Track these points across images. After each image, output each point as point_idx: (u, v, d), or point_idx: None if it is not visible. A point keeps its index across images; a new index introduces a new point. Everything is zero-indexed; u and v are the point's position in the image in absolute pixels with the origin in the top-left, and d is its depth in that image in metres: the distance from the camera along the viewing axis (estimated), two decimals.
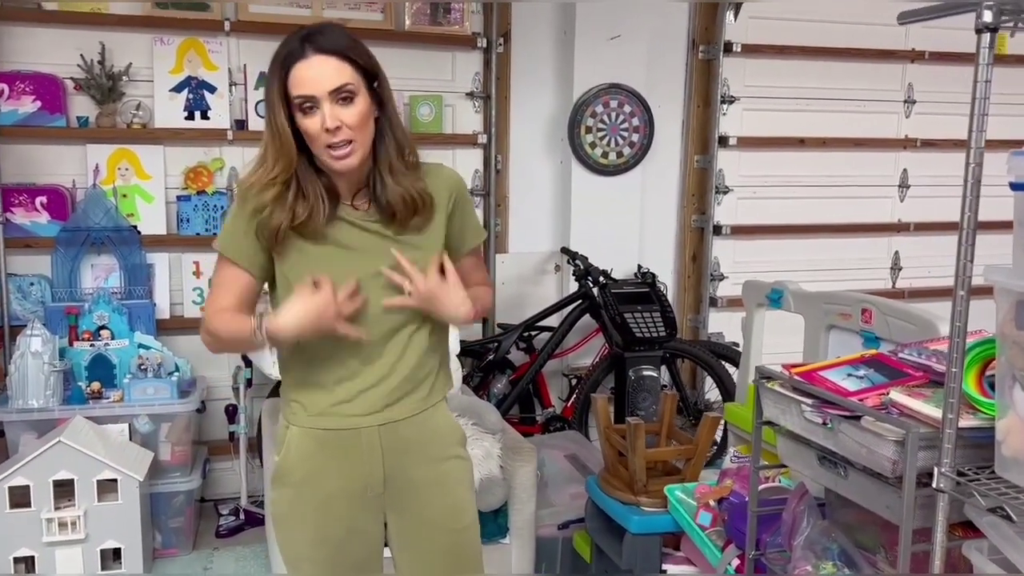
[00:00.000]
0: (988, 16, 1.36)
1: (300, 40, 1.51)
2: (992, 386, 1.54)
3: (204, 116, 3.42)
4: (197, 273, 3.50)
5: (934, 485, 1.49)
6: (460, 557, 1.71)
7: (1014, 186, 1.33)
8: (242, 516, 3.45)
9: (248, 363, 3.45)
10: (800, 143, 4.18)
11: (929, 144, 4.36)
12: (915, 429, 1.51)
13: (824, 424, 1.69)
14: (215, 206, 3.47)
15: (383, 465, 1.63)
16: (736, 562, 2.13)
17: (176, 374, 3.17)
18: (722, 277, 4.14)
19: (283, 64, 1.50)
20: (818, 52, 4.10)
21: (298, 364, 1.64)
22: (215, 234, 3.40)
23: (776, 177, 4.18)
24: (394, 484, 1.64)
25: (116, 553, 2.85)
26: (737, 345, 3.88)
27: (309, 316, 1.51)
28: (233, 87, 3.46)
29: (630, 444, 2.38)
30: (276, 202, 1.54)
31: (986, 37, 1.37)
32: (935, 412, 1.53)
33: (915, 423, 1.53)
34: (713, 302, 4.13)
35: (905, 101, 4.35)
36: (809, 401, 1.74)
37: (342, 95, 1.50)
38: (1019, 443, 1.41)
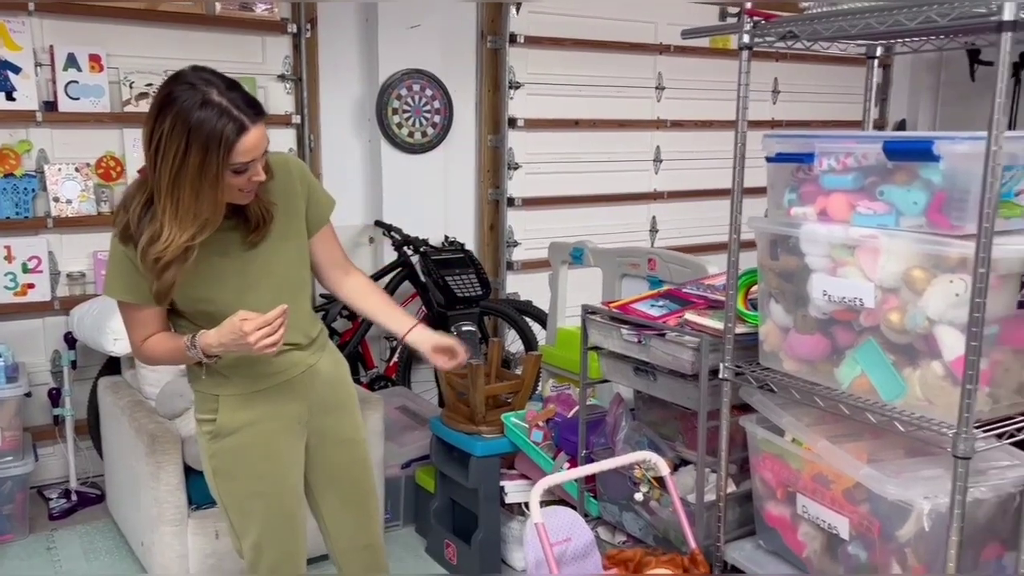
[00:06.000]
0: (746, 38, 1.91)
1: (241, 112, 1.59)
2: (754, 304, 2.13)
3: (9, 97, 3.34)
4: (8, 258, 3.42)
5: (720, 376, 2.06)
6: (363, 467, 2.05)
7: (769, 159, 1.89)
8: (74, 498, 3.46)
9: (72, 345, 3.45)
10: (575, 124, 4.79)
11: (676, 124, 5.16)
12: (706, 338, 2.07)
13: (639, 342, 2.22)
14: (24, 188, 3.41)
15: (308, 400, 1.93)
16: (566, 466, 2.64)
17: (0, 359, 3.13)
18: (516, 244, 4.67)
19: (231, 139, 1.58)
20: (587, 44, 4.72)
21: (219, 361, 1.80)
22: (26, 217, 3.40)
23: (557, 154, 4.77)
24: (315, 411, 1.95)
25: None
26: (532, 303, 4.44)
27: (232, 344, 1.67)
28: (39, 68, 3.41)
29: (471, 383, 2.81)
30: (184, 256, 1.65)
31: (744, 53, 1.92)
32: (718, 325, 2.10)
33: (705, 335, 2.09)
34: (510, 266, 4.65)
35: (656, 87, 5.10)
36: (626, 327, 2.26)
37: None
38: (775, 341, 2.00)
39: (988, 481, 1.73)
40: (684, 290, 2.42)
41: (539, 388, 3.25)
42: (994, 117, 1.47)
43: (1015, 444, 1.69)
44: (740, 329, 2.07)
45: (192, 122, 1.57)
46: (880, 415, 1.72)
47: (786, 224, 1.90)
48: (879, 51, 2.23)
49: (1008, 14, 1.43)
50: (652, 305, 2.33)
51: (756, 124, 5.63)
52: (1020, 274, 1.63)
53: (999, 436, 1.64)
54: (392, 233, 3.96)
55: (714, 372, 2.09)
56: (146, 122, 1.63)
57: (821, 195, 1.83)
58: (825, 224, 1.82)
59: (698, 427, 2.12)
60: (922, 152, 1.63)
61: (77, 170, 3.52)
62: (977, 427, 1.59)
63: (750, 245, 2.02)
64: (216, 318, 1.73)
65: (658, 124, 5.13)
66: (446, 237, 4.20)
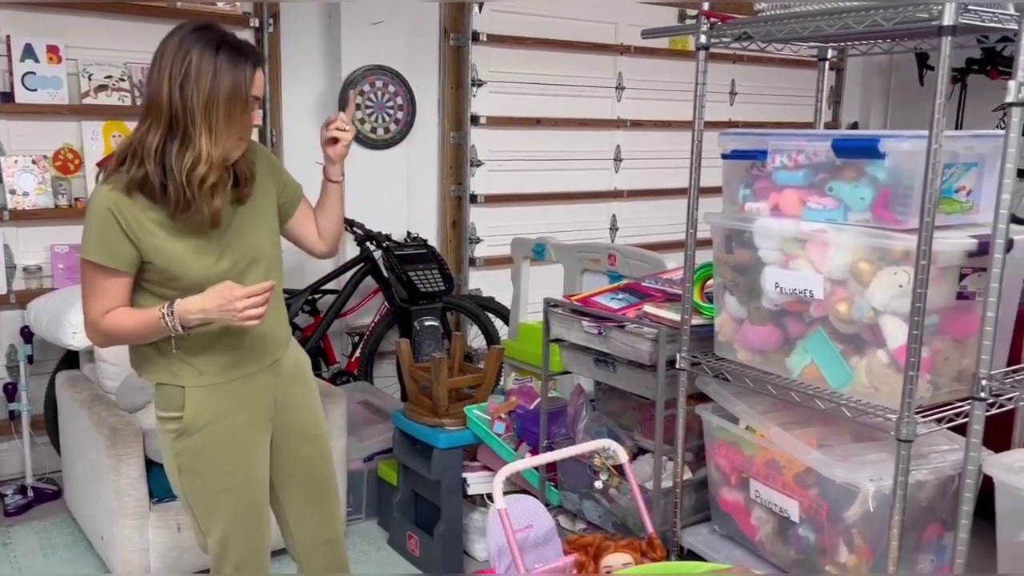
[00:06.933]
0: (703, 39, 1.97)
1: (252, 51, 1.78)
2: (710, 297, 2.20)
3: None
4: None
5: (677, 366, 2.13)
6: (325, 462, 2.06)
7: (724, 156, 1.96)
8: (30, 494, 3.42)
9: (28, 339, 3.41)
10: (537, 123, 4.84)
11: (636, 124, 5.24)
12: (664, 330, 2.13)
13: (599, 333, 2.27)
14: None
15: (273, 394, 1.94)
16: (528, 456, 2.68)
17: None
18: (478, 240, 4.71)
19: (252, 70, 1.75)
20: (549, 44, 4.77)
21: (190, 336, 1.81)
22: None
23: (519, 152, 4.82)
24: (279, 406, 1.96)
25: None
26: (495, 299, 4.48)
27: (217, 310, 1.70)
28: None
29: (434, 375, 2.84)
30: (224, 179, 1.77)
31: (701, 54, 1.99)
32: (675, 317, 2.16)
33: (663, 326, 2.15)
34: (472, 262, 4.69)
35: (617, 87, 5.18)
36: (587, 319, 2.31)
37: None
38: (730, 332, 2.07)
39: (929, 464, 1.81)
40: (643, 284, 2.49)
41: (501, 382, 3.29)
42: (935, 117, 1.55)
43: (954, 429, 1.77)
44: (696, 321, 2.14)
45: (218, 57, 1.71)
46: (828, 402, 1.80)
47: (740, 219, 1.97)
48: (830, 54, 2.32)
49: (948, 19, 1.51)
50: (612, 298, 2.39)
51: (713, 125, 5.75)
52: (959, 267, 1.72)
53: (939, 421, 1.72)
54: (354, 228, 3.98)
55: (671, 362, 2.15)
56: (160, 65, 1.72)
57: (774, 191, 1.90)
58: (777, 219, 1.89)
59: (656, 416, 2.18)
60: (868, 150, 1.70)
61: (34, 162, 3.47)
62: (918, 412, 1.68)
63: (707, 243, 2.08)
64: (184, 291, 1.75)
65: (618, 124, 5.20)
66: (408, 233, 4.22)
